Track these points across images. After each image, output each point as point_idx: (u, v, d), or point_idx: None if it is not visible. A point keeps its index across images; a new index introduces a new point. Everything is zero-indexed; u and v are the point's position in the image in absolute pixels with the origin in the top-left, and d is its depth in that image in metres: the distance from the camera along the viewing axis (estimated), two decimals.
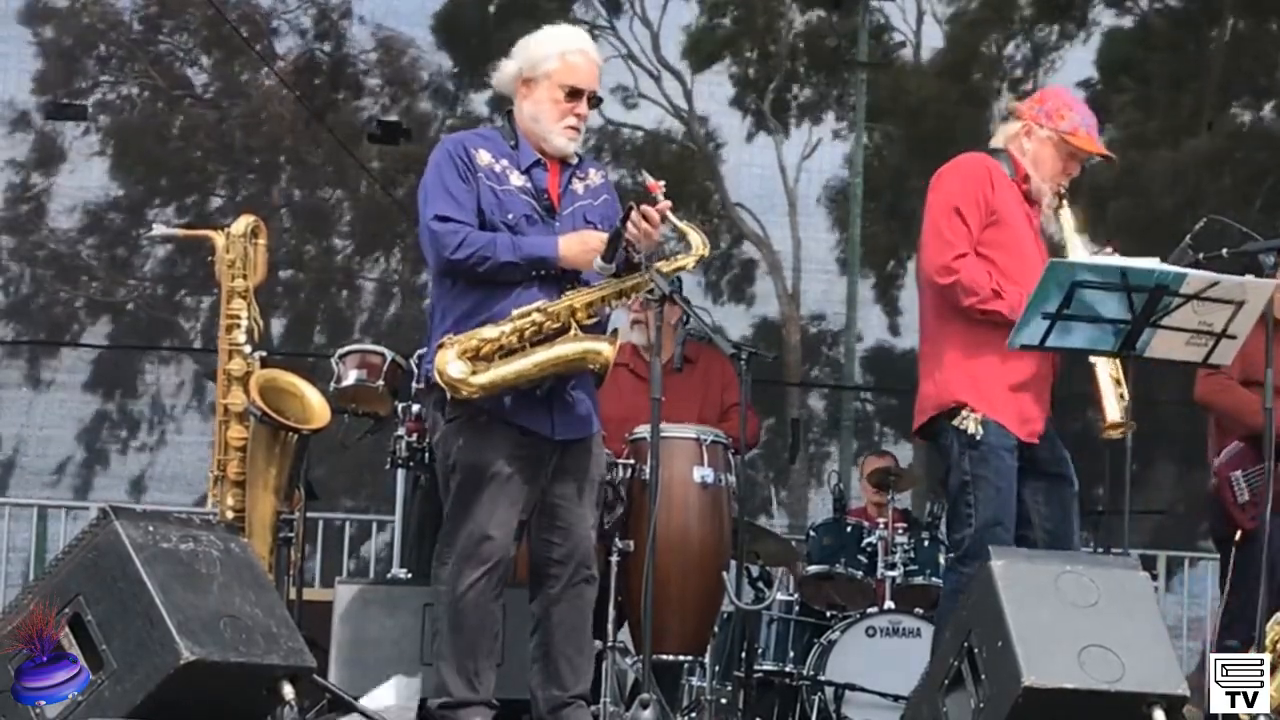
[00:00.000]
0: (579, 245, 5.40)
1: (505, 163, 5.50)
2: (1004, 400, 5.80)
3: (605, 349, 5.36)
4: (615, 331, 5.55)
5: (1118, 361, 5.72)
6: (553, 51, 5.51)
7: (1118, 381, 5.73)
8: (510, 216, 5.42)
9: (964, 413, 5.79)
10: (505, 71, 5.58)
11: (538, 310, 5.34)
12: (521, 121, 5.55)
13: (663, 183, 5.39)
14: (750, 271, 16.69)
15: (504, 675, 5.58)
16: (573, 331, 5.35)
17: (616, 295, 5.45)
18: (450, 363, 5.29)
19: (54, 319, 16.14)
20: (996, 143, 6.01)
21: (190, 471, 14.52)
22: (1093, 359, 5.73)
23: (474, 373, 5.28)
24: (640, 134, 16.28)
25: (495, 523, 5.36)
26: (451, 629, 5.41)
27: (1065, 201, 5.94)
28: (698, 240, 5.48)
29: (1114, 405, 5.72)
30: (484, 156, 5.48)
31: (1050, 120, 5.91)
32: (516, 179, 5.48)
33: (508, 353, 5.31)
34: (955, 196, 5.85)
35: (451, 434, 5.41)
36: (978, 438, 5.77)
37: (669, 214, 5.40)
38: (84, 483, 15.64)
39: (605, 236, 5.38)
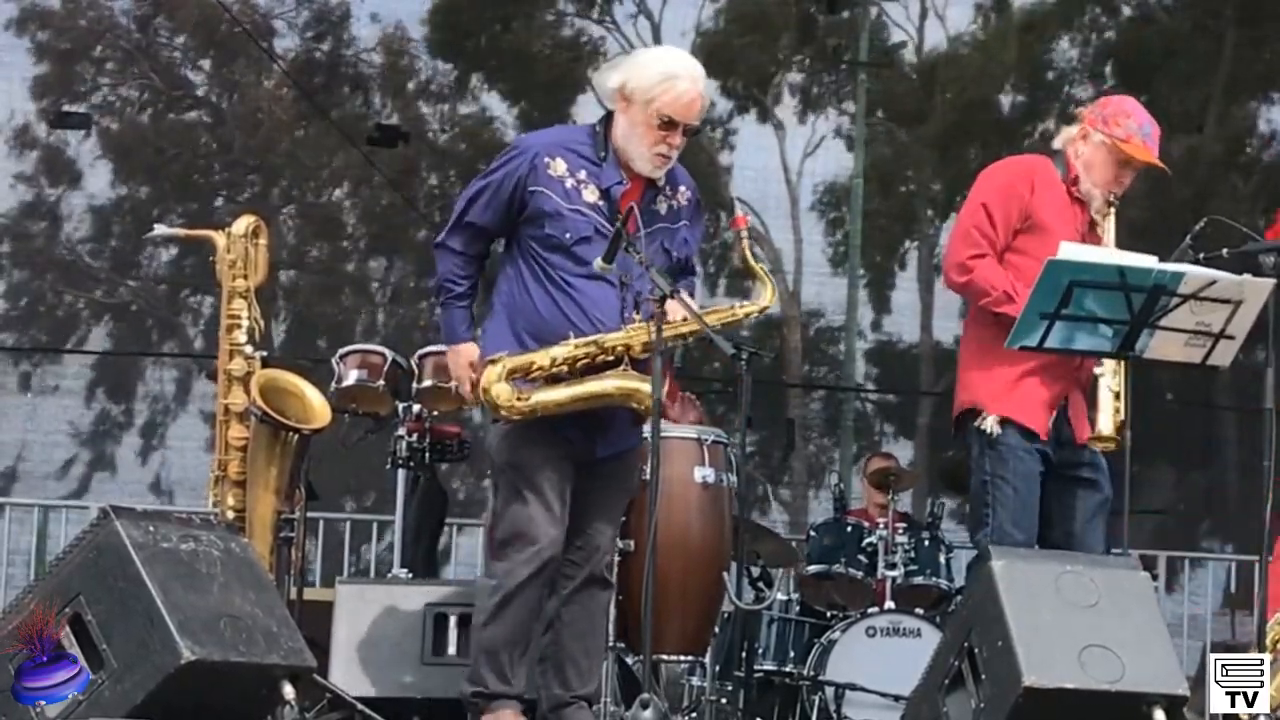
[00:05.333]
0: (456, 369, 5.44)
1: (583, 174, 5.35)
2: (1025, 401, 5.77)
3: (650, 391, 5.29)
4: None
5: (1121, 375, 5.68)
6: (660, 76, 5.32)
7: (1117, 395, 5.68)
8: (568, 236, 5.30)
9: (983, 414, 5.79)
10: (608, 81, 5.41)
11: (595, 344, 5.27)
12: (616, 135, 5.39)
13: (750, 218, 5.32)
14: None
15: None
16: (623, 366, 5.30)
17: (674, 339, 5.39)
18: (495, 383, 5.26)
19: (58, 323, 16.14)
20: (1057, 144, 5.96)
21: (193, 475, 14.52)
22: (1097, 370, 5.69)
23: (519, 398, 5.25)
24: None
25: (546, 521, 5.35)
26: (494, 620, 5.39)
27: (1113, 210, 5.84)
28: (768, 292, 5.44)
29: (1108, 418, 5.69)
30: (559, 166, 5.34)
31: (1106, 126, 5.83)
32: (590, 194, 5.34)
33: (555, 379, 5.29)
34: (987, 195, 5.86)
35: (500, 436, 5.41)
36: (996, 438, 5.77)
37: (746, 249, 5.37)
38: (85, 487, 15.65)
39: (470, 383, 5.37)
